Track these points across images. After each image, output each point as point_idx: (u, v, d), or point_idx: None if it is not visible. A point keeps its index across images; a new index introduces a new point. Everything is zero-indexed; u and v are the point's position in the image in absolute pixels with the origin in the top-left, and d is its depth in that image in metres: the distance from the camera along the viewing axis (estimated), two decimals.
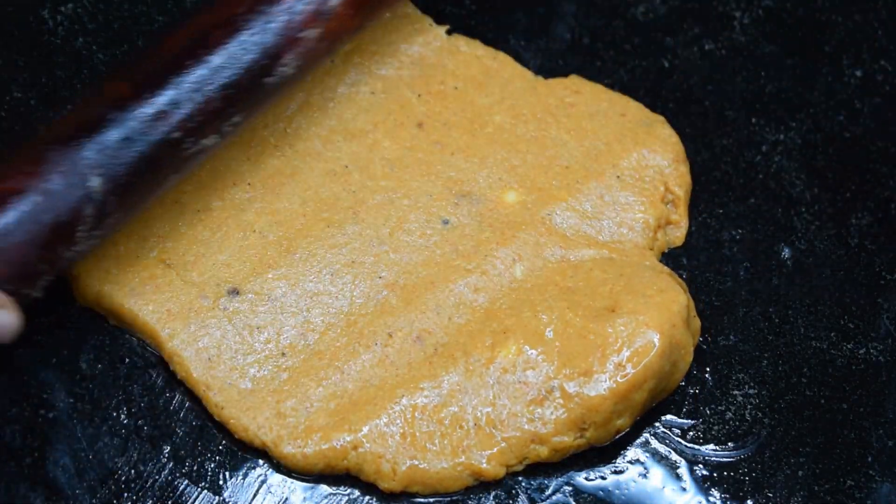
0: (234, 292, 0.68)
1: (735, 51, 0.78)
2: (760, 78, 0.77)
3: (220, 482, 0.64)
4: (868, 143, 0.75)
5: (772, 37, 0.79)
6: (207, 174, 0.73)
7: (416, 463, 0.63)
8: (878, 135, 0.75)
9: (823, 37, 0.78)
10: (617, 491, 0.64)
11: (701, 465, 0.65)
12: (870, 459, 0.65)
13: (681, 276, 0.70)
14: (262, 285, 0.69)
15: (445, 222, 0.72)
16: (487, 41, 0.78)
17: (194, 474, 0.64)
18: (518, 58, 0.78)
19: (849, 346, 0.69)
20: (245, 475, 0.64)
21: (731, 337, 0.69)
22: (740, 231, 0.73)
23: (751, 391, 0.67)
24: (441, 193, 0.73)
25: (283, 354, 0.67)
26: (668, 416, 0.67)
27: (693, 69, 0.77)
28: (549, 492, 0.64)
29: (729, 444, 0.66)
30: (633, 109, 0.76)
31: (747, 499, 0.64)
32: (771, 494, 0.65)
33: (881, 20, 0.79)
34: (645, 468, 0.65)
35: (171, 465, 0.64)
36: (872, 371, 0.68)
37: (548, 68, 0.78)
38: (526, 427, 0.64)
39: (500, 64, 0.78)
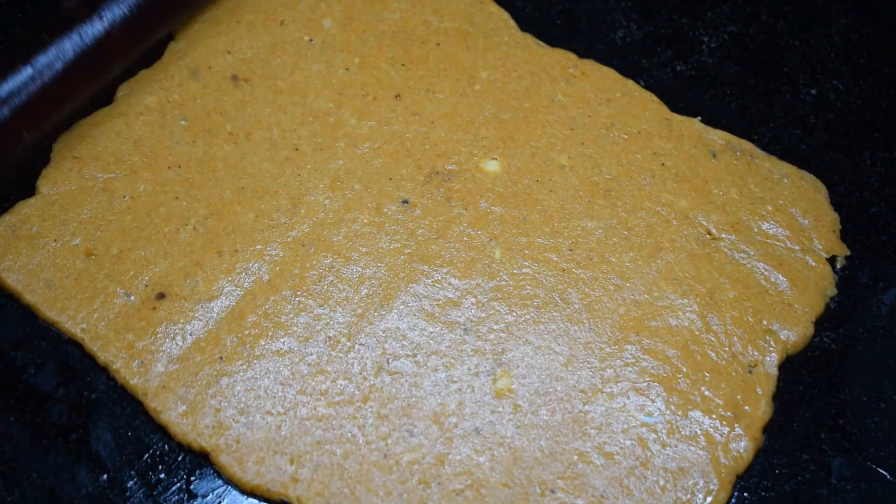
0: (161, 295, 0.68)
1: (703, 71, 0.82)
2: (726, 95, 0.80)
3: None
4: (822, 154, 0.77)
5: (736, 59, 0.82)
6: (144, 157, 0.72)
7: None
8: (831, 147, 0.78)
9: (782, 59, 0.82)
10: None
11: None
12: (823, 436, 0.67)
13: None
14: (191, 288, 0.68)
15: (405, 202, 0.72)
16: None
17: None
18: None
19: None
20: None
21: None
22: None
23: None
24: (409, 172, 0.73)
25: (222, 359, 0.66)
26: None
27: (666, 88, 0.80)
28: None
29: None
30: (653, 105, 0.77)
31: None
32: None
33: (833, 45, 0.83)
34: None
35: None
36: (825, 357, 0.70)
37: None
38: None
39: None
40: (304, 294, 0.68)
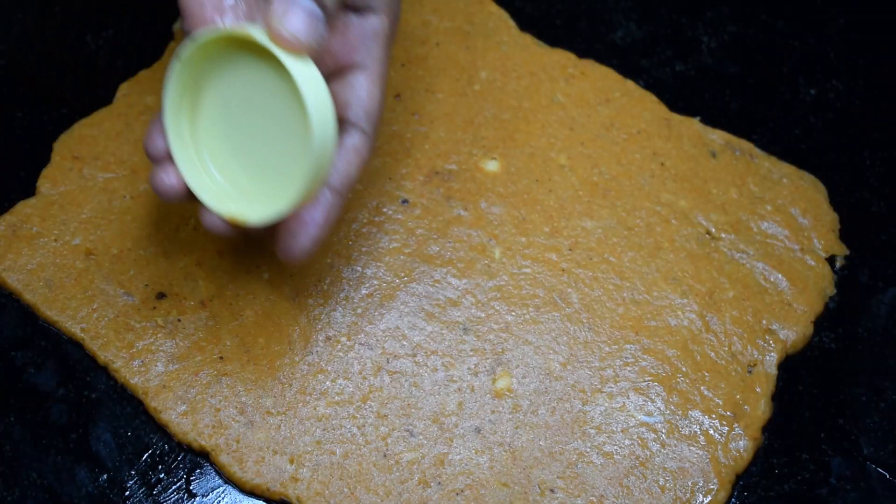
0: (161, 295, 0.68)
1: (703, 71, 0.82)
2: (725, 96, 0.80)
3: None
4: (822, 154, 0.78)
5: (736, 59, 0.82)
6: (144, 157, 0.70)
7: None
8: (831, 147, 0.78)
9: (782, 59, 0.82)
10: None
11: None
12: (822, 436, 0.67)
13: None
14: (191, 288, 0.68)
15: (405, 202, 0.72)
16: None
17: None
18: None
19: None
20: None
21: None
22: None
23: None
24: (409, 172, 0.73)
25: (222, 359, 0.66)
26: None
27: (666, 88, 0.80)
28: None
29: None
30: (653, 104, 0.77)
31: None
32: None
33: (833, 44, 0.83)
34: None
35: None
36: (825, 357, 0.70)
37: None
38: None
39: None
40: (304, 293, 0.68)
